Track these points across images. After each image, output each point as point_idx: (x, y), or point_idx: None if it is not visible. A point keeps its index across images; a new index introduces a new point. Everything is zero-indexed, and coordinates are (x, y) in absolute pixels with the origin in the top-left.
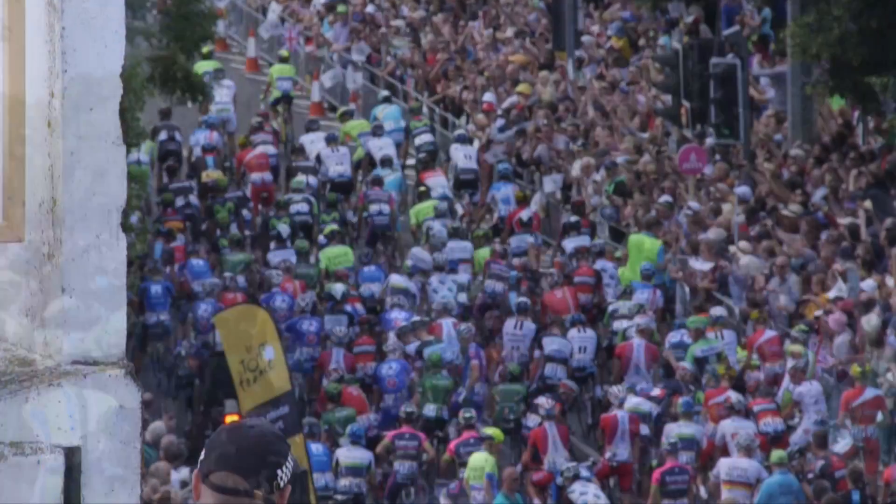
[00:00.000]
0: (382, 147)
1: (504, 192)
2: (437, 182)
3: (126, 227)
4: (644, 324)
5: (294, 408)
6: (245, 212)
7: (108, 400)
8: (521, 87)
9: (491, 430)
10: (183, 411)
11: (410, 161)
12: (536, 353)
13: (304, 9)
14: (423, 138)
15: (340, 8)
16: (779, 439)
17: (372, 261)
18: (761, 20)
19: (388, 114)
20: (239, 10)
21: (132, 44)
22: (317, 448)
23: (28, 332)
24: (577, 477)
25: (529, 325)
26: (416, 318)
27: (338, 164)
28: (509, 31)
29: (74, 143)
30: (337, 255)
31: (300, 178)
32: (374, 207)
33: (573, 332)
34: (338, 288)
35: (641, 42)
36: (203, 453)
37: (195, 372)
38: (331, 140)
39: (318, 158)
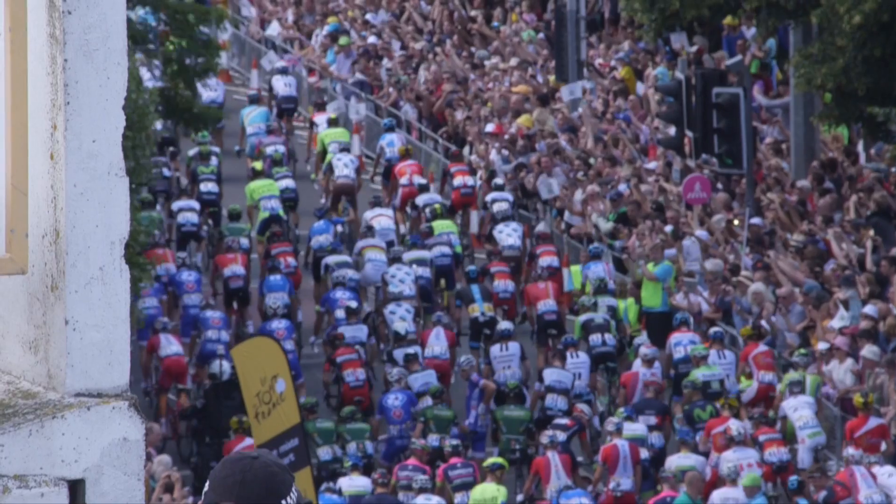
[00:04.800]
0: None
1: (389, 138)
2: (321, 119)
3: (131, 261)
4: (650, 354)
5: (303, 440)
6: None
7: (112, 432)
8: (522, 119)
9: (499, 460)
10: (188, 443)
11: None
12: (537, 385)
13: (308, 40)
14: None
15: (343, 40)
16: (784, 469)
17: (324, 216)
18: (766, 51)
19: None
20: (241, 41)
21: (135, 77)
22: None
23: (31, 365)
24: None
25: (514, 345)
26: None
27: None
28: (513, 62)
29: (77, 175)
30: (261, 186)
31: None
32: (269, 149)
33: (566, 357)
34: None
35: (648, 72)
36: (207, 485)
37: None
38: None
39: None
